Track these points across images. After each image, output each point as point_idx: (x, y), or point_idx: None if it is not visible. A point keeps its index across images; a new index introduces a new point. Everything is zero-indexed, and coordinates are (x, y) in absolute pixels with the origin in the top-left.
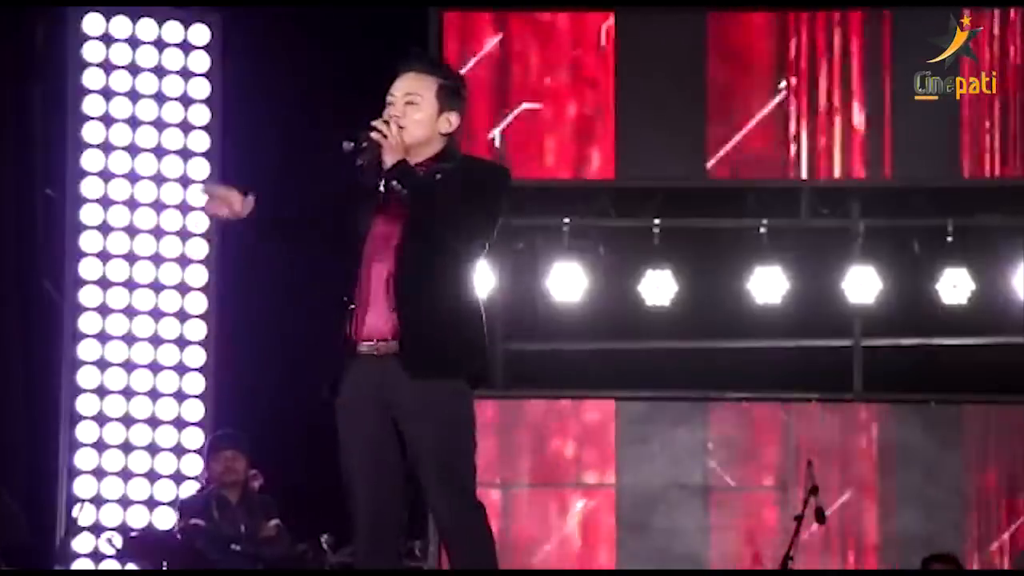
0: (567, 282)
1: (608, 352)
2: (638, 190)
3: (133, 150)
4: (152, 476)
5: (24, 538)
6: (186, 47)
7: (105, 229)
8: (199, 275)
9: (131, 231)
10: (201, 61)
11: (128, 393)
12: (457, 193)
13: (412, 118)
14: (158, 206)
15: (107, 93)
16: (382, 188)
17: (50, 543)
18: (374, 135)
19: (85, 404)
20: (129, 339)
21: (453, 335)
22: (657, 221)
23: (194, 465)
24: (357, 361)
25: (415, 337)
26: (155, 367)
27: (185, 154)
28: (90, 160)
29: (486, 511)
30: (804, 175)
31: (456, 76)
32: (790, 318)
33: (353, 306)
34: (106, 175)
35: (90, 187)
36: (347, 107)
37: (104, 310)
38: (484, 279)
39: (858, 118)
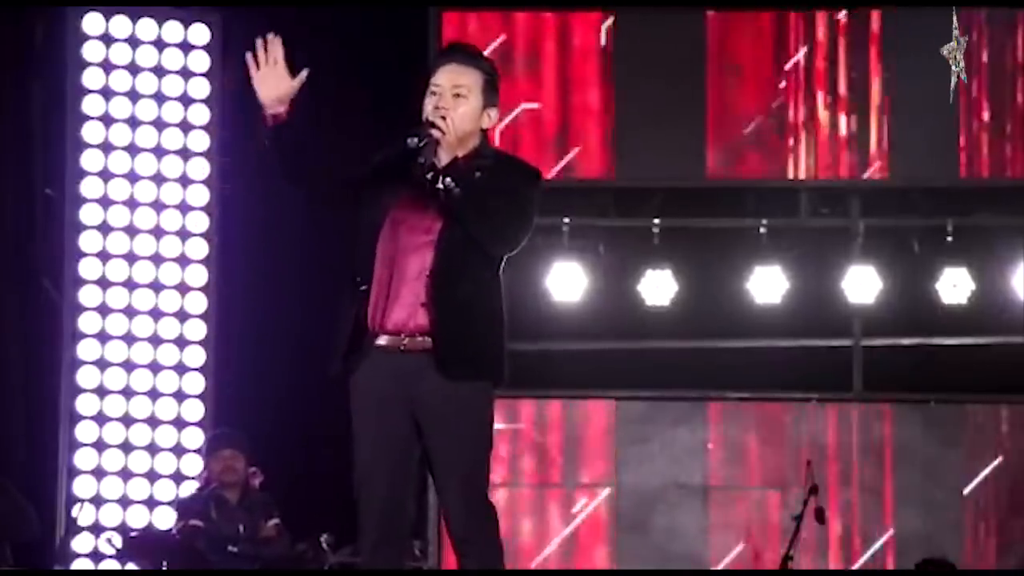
0: (567, 282)
1: (608, 352)
2: (638, 190)
3: (133, 150)
4: (152, 476)
5: (36, 533)
6: (186, 47)
7: (105, 229)
8: (199, 275)
9: (131, 231)
10: (201, 61)
11: (128, 393)
12: (498, 193)
13: (458, 111)
14: (158, 206)
15: (107, 93)
16: (440, 186)
17: (50, 543)
18: (434, 131)
19: (85, 404)
20: (129, 339)
21: (484, 336)
22: (657, 221)
23: (194, 465)
24: (376, 351)
25: (450, 337)
26: (155, 367)
27: (185, 154)
28: (90, 160)
29: (497, 512)
30: (804, 175)
31: (496, 70)
32: (790, 318)
33: (365, 287)
34: (106, 175)
35: (90, 187)
36: (347, 106)
37: (104, 310)
38: None
39: (858, 118)
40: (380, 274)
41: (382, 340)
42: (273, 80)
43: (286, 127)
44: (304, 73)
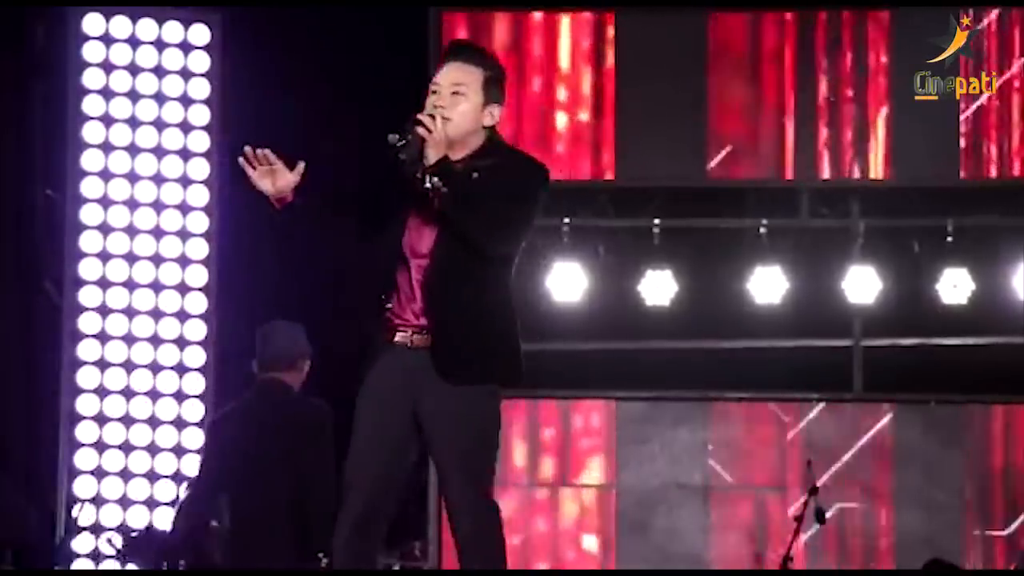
0: (567, 282)
1: (608, 352)
2: (638, 190)
3: (133, 150)
4: (152, 476)
5: (35, 536)
6: (186, 47)
7: (105, 229)
8: (199, 275)
9: (131, 231)
10: (201, 61)
11: (128, 393)
12: (494, 194)
13: (457, 110)
14: (158, 206)
15: (107, 93)
16: (428, 185)
17: (50, 543)
18: (419, 129)
19: (85, 404)
20: (129, 339)
21: (483, 338)
22: (657, 221)
23: (194, 465)
24: (391, 348)
25: (446, 339)
26: (155, 367)
27: (185, 154)
28: (90, 160)
29: (500, 512)
30: (804, 175)
31: (500, 68)
32: (790, 318)
33: (389, 305)
34: (106, 175)
35: (90, 187)
36: (346, 107)
37: (104, 310)
38: None
39: (858, 118)
40: (399, 275)
41: (394, 336)
42: (272, 177)
43: (294, 204)
44: (301, 165)
